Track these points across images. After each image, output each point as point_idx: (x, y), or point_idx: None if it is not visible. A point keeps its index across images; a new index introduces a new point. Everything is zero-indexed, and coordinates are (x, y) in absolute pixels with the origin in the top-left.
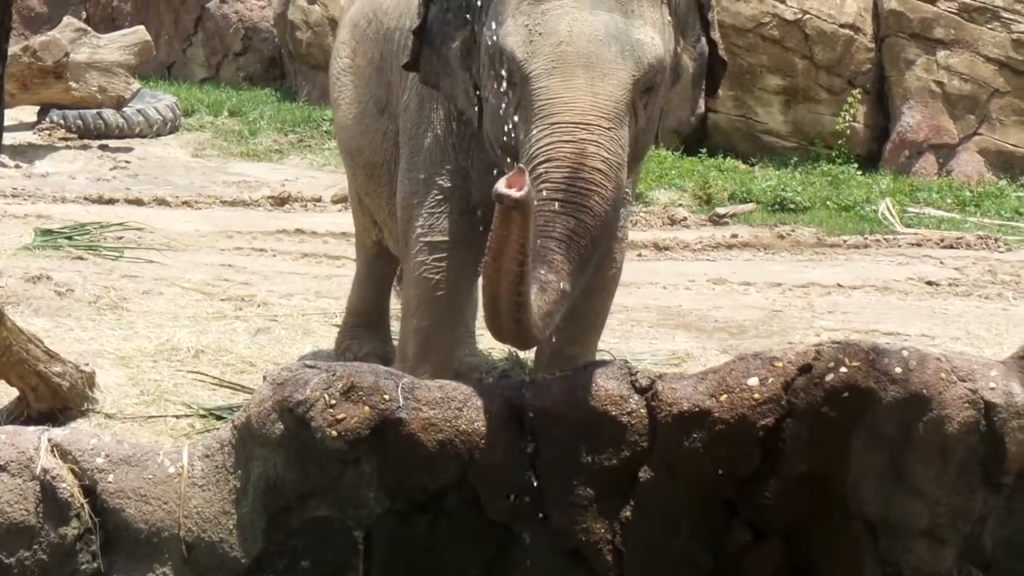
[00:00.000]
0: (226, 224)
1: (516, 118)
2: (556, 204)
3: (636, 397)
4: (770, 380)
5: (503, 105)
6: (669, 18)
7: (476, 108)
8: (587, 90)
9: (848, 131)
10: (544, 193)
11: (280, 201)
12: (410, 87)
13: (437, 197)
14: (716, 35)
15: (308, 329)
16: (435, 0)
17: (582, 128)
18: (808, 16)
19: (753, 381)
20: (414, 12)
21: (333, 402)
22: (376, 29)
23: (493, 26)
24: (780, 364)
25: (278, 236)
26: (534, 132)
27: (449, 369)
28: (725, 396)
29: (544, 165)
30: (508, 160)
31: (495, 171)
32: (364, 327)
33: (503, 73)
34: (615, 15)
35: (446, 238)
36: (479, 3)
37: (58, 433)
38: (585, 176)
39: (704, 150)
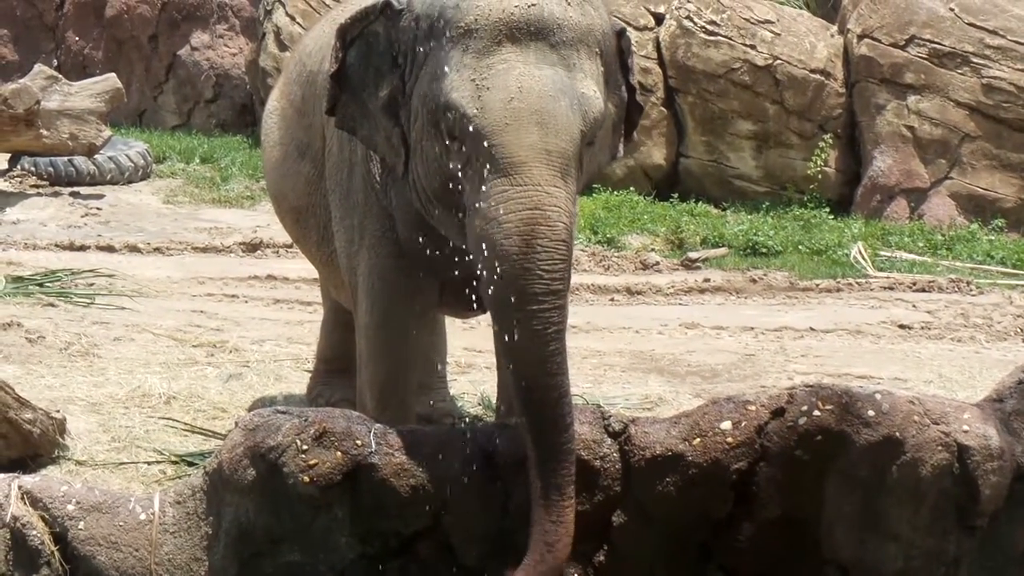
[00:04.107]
0: (198, 270)
1: (461, 171)
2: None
3: (609, 441)
4: (743, 424)
5: (442, 157)
6: (601, 68)
7: (402, 157)
8: (542, 148)
9: (819, 176)
10: (509, 262)
11: (252, 247)
12: (333, 131)
13: (373, 244)
14: (635, 80)
15: (280, 375)
16: (355, 45)
17: (541, 191)
18: (779, 62)
19: (726, 425)
20: (332, 55)
21: (305, 448)
22: (299, 72)
23: (431, 79)
24: (753, 408)
25: (250, 282)
26: (490, 190)
27: (408, 419)
28: (698, 440)
29: (504, 228)
30: (439, 209)
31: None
32: (335, 373)
33: (445, 126)
34: (558, 69)
35: (390, 286)
36: (409, 53)
37: (29, 480)
38: (547, 245)
39: (676, 195)
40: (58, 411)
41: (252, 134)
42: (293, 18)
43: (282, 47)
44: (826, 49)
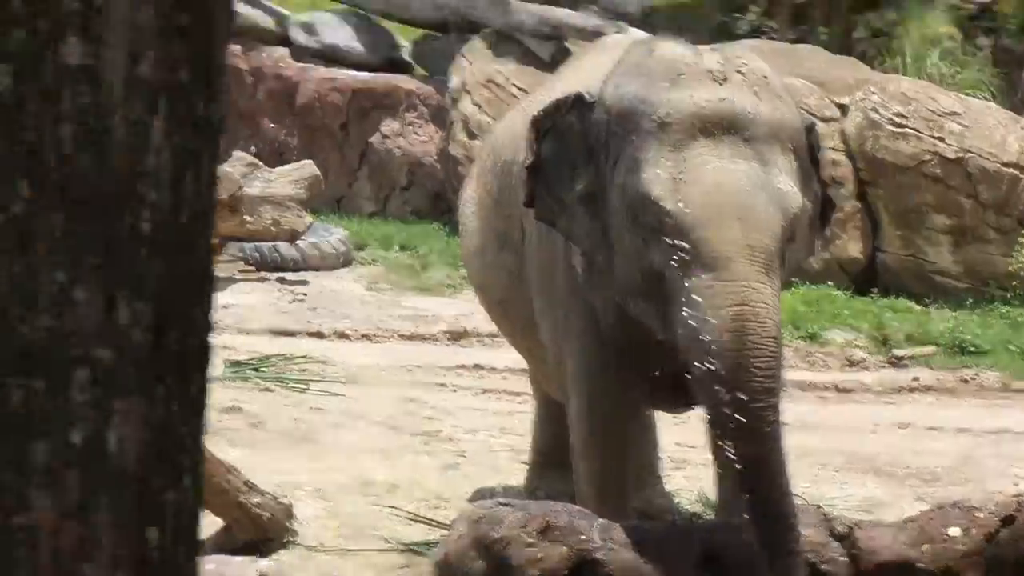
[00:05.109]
0: (406, 358)
1: (663, 265)
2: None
3: (835, 544)
4: (972, 531)
5: (642, 251)
6: (795, 163)
7: (602, 249)
8: (744, 243)
9: (1022, 272)
10: (721, 360)
11: (456, 336)
12: (531, 222)
13: (579, 336)
14: (825, 174)
15: (496, 466)
16: (548, 137)
17: (747, 287)
18: (970, 155)
19: (955, 531)
20: (527, 147)
21: (531, 541)
22: (494, 162)
23: (627, 172)
24: (981, 515)
25: (457, 371)
26: (695, 286)
27: (626, 513)
28: (927, 546)
29: (713, 325)
30: (642, 302)
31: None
32: (552, 466)
33: (644, 220)
34: (753, 164)
35: (599, 379)
36: (603, 145)
37: (265, 564)
38: (759, 342)
39: (875, 290)
40: (285, 496)
41: (448, 222)
42: (479, 106)
43: (471, 135)
44: (1017, 143)
